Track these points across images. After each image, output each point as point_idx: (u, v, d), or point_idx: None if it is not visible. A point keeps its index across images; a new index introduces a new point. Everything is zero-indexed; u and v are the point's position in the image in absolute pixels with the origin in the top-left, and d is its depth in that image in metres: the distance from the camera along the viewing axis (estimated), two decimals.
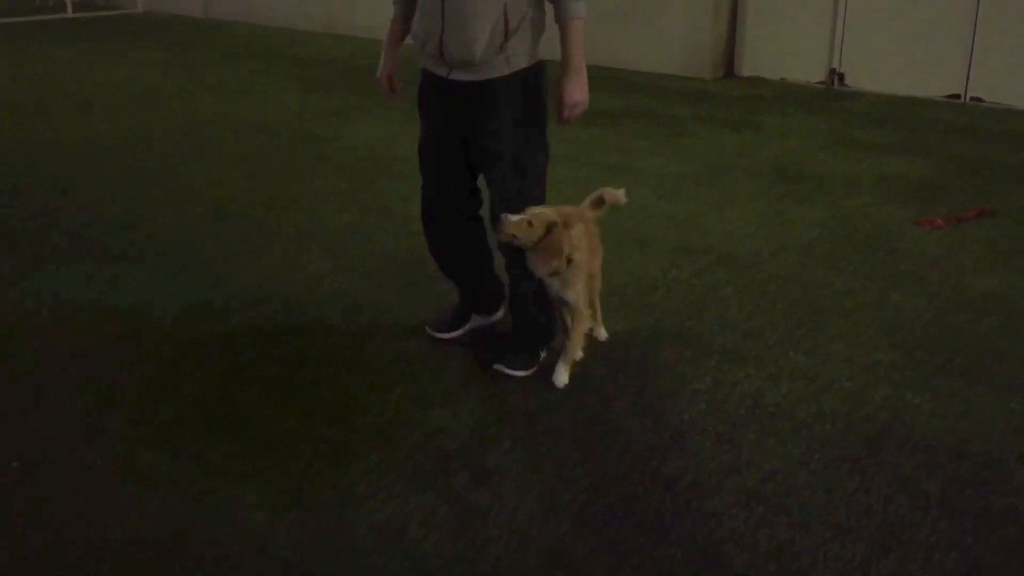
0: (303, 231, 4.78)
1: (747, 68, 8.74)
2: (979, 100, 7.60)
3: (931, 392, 3.30)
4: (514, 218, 3.13)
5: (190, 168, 5.66)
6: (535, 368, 3.42)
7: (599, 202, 3.49)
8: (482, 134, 3.20)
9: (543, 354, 3.48)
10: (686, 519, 2.68)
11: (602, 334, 3.65)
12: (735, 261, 4.41)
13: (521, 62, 3.11)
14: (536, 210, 3.15)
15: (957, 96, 7.70)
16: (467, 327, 3.67)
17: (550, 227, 3.13)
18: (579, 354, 3.36)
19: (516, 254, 3.26)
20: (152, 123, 6.54)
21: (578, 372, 3.40)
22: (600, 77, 7.73)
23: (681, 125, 6.87)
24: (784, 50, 8.46)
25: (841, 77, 8.25)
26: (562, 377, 3.32)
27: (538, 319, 3.44)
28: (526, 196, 3.21)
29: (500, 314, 3.71)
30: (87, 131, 6.31)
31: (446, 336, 3.63)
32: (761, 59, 8.62)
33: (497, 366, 3.38)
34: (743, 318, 3.85)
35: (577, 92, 3.14)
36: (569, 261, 3.20)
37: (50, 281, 4.18)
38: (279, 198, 5.26)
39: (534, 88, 3.17)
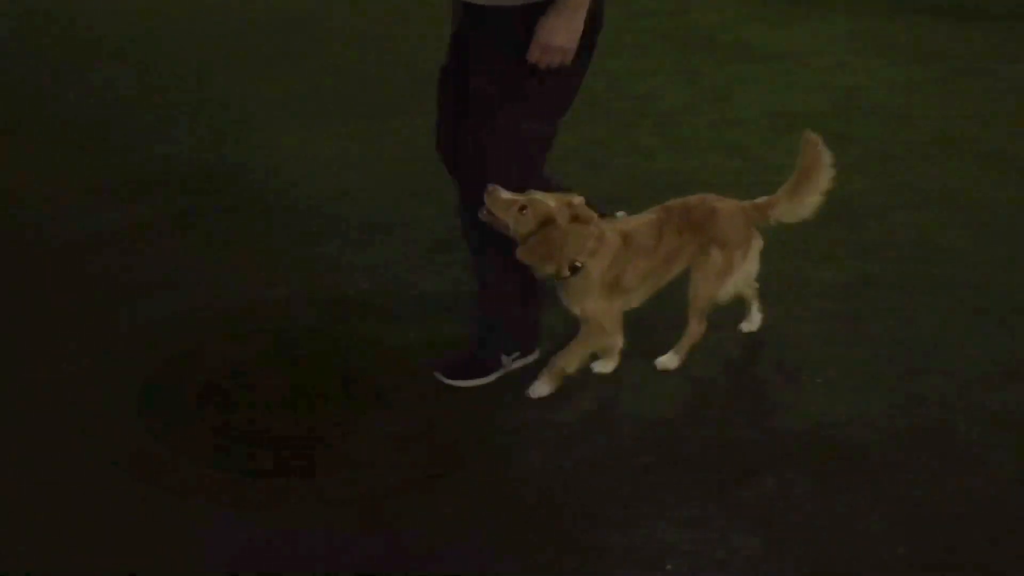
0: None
1: None
2: None
3: None
4: (505, 195, 2.52)
5: (412, 32, 5.74)
6: (491, 377, 2.79)
7: (802, 184, 2.76)
8: (471, 70, 2.53)
9: (511, 362, 2.82)
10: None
11: (753, 322, 3.02)
12: None
13: None
14: (538, 196, 2.54)
15: None
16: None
17: (546, 221, 2.52)
18: (571, 367, 2.73)
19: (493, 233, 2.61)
20: None
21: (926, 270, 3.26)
22: None
23: None
24: None
25: None
26: (539, 388, 2.75)
27: (508, 314, 2.77)
28: (493, 163, 2.52)
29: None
30: None
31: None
32: None
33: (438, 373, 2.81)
34: None
35: (560, 34, 2.34)
36: (573, 269, 2.58)
37: (280, 135, 4.51)
38: None
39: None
